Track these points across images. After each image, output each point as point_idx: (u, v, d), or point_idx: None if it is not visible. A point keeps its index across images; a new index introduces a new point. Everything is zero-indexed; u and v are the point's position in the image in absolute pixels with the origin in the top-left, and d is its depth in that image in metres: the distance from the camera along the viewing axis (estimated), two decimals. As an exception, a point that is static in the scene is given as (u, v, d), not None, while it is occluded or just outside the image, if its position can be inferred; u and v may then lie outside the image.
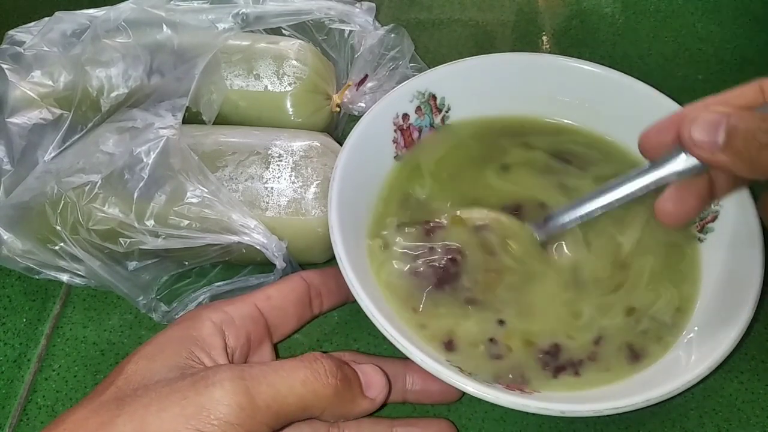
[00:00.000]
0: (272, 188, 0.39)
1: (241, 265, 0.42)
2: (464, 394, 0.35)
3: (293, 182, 0.39)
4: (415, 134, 0.44)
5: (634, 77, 0.43)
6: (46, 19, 0.44)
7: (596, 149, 0.44)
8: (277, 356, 0.36)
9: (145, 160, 0.38)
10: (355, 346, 0.40)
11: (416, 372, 0.36)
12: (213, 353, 0.31)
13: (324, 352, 0.32)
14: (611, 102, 0.44)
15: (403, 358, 0.33)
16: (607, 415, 0.32)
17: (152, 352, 0.30)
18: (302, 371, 0.29)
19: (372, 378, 0.32)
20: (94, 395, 0.29)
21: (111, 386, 0.29)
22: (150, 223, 0.38)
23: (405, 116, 0.43)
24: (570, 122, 0.45)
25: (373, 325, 0.33)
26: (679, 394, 0.32)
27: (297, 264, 0.40)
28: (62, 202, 0.38)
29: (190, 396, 0.27)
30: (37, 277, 0.40)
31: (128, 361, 0.30)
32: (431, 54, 0.55)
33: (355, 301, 0.34)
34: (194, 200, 0.38)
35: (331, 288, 0.37)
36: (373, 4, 0.47)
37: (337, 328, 0.41)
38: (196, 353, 0.30)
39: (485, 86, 0.45)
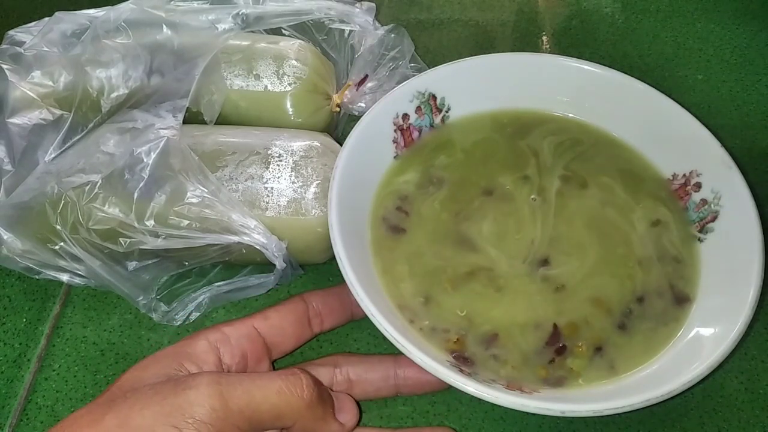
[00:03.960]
0: (272, 188, 0.39)
1: (241, 265, 0.42)
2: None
3: (293, 182, 0.39)
4: (415, 134, 0.44)
5: (634, 77, 0.43)
6: (46, 19, 0.44)
7: (598, 148, 0.44)
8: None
9: (145, 160, 0.38)
10: (355, 346, 0.40)
11: (408, 366, 0.36)
12: (204, 368, 0.33)
13: (319, 357, 0.32)
14: (611, 102, 0.44)
15: (395, 354, 0.34)
16: (607, 415, 0.32)
17: (146, 363, 0.33)
18: (278, 382, 0.31)
19: (345, 404, 0.34)
20: (93, 400, 0.31)
21: (107, 392, 0.31)
22: (150, 223, 0.38)
23: (405, 116, 0.43)
24: (570, 120, 0.45)
25: (373, 325, 0.33)
26: (679, 394, 0.32)
27: (297, 264, 0.40)
28: (62, 201, 0.38)
29: (169, 397, 0.29)
30: (37, 277, 0.40)
31: (125, 372, 0.32)
32: (431, 54, 0.55)
33: (360, 320, 0.35)
34: (194, 200, 0.38)
35: (332, 307, 0.38)
36: (373, 4, 0.47)
37: (338, 327, 0.41)
38: (186, 366, 0.32)
39: (485, 86, 0.45)
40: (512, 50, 0.57)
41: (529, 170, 0.43)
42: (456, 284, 0.38)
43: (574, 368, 0.35)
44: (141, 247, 0.38)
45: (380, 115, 0.42)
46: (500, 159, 0.43)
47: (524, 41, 0.57)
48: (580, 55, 0.45)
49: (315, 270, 0.43)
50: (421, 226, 0.40)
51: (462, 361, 0.35)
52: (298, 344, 0.38)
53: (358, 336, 0.41)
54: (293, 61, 0.44)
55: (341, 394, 0.35)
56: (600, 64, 0.44)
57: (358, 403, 0.35)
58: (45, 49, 0.42)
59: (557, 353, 0.36)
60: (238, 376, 0.31)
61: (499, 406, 0.31)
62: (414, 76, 0.44)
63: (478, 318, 0.37)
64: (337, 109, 0.46)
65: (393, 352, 0.35)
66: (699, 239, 0.40)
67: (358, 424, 0.34)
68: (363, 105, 0.46)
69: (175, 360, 0.32)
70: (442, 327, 0.37)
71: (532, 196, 0.41)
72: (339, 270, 0.35)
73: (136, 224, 0.38)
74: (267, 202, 0.39)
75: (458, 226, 0.40)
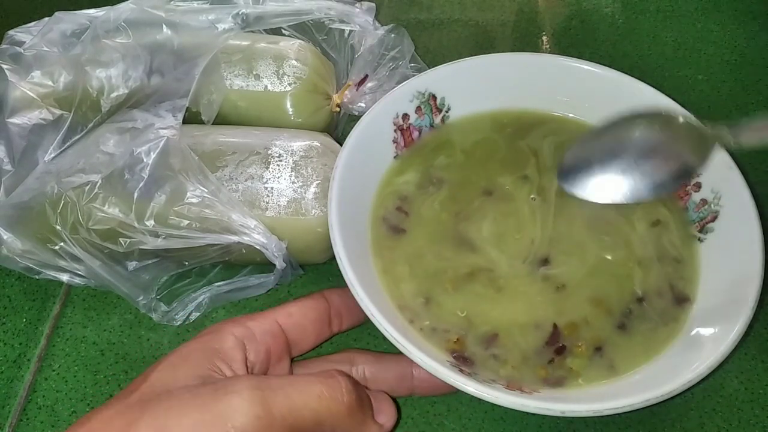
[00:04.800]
0: (272, 188, 0.39)
1: (241, 265, 0.42)
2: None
3: (293, 182, 0.39)
4: (415, 134, 0.44)
5: (634, 77, 0.43)
6: (46, 19, 0.44)
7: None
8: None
9: (145, 160, 0.38)
10: (355, 345, 0.40)
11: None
12: (234, 366, 0.32)
13: (335, 352, 0.32)
14: (611, 102, 0.44)
15: None
16: (607, 415, 0.32)
17: (176, 361, 0.31)
18: (318, 386, 0.30)
19: (383, 405, 0.33)
20: (119, 398, 0.30)
21: (136, 391, 0.30)
22: (150, 223, 0.38)
23: (405, 116, 0.43)
24: (570, 120, 0.45)
25: (373, 325, 0.33)
26: (679, 394, 0.32)
27: (297, 264, 0.40)
28: (62, 201, 0.38)
29: (209, 403, 0.28)
30: (37, 277, 0.40)
31: (153, 369, 0.31)
32: (431, 54, 0.55)
33: None
34: (194, 200, 0.38)
35: (351, 307, 0.37)
36: (373, 4, 0.47)
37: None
38: (218, 364, 0.31)
39: (485, 86, 0.45)
40: (512, 50, 0.57)
41: (528, 170, 0.43)
42: (456, 285, 0.38)
43: (573, 368, 0.35)
44: (141, 247, 0.38)
45: (380, 115, 0.42)
46: (500, 159, 0.43)
47: (524, 41, 0.57)
48: (580, 55, 0.45)
49: (315, 270, 0.43)
50: (421, 227, 0.40)
51: (462, 361, 0.35)
52: (316, 343, 0.37)
53: (357, 336, 0.41)
54: (293, 61, 0.44)
55: (380, 393, 0.34)
56: (600, 64, 0.44)
57: (396, 403, 0.34)
58: (45, 49, 0.42)
59: (557, 353, 0.36)
60: (277, 380, 0.30)
61: (499, 406, 0.31)
62: (414, 76, 0.44)
63: (478, 318, 0.37)
64: (337, 109, 0.46)
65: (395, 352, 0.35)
66: (699, 239, 0.40)
67: (397, 425, 0.33)
68: (363, 105, 0.46)
69: (205, 358, 0.31)
70: (442, 327, 0.37)
71: (532, 196, 0.41)
72: (339, 270, 0.35)
73: (136, 224, 0.38)
74: (267, 202, 0.39)
75: (458, 227, 0.40)
